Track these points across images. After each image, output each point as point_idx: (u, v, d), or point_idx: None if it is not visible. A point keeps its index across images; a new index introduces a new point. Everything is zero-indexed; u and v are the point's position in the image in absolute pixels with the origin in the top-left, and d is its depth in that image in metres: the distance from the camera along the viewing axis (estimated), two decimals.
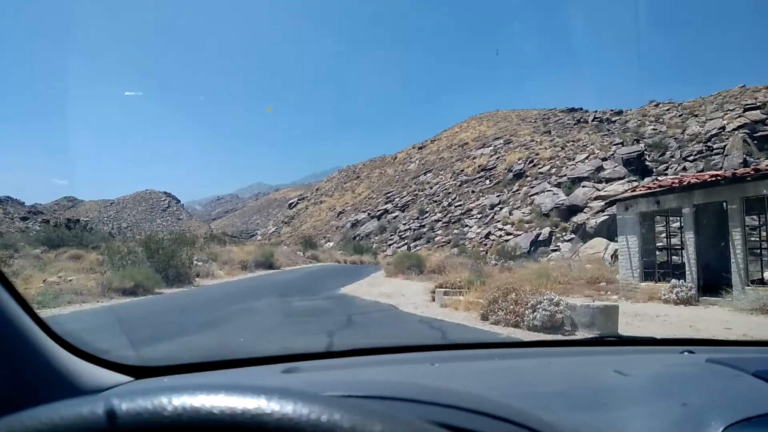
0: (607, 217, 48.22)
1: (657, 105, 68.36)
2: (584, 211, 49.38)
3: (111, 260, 16.82)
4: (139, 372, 1.51)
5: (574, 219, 48.37)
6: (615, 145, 57.85)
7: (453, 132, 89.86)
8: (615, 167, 53.50)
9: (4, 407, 0.82)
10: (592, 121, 67.79)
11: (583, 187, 51.05)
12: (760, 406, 1.05)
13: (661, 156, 54.79)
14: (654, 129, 62.15)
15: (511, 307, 9.18)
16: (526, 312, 8.81)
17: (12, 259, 26.46)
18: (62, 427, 0.44)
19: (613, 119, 68.86)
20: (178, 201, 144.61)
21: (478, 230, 52.78)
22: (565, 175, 54.02)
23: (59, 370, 1.14)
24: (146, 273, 15.05)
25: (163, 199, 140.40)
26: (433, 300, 13.54)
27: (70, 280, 14.83)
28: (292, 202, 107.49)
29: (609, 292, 15.78)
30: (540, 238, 48.03)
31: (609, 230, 46.59)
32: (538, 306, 8.69)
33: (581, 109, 78.46)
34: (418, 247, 53.86)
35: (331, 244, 61.51)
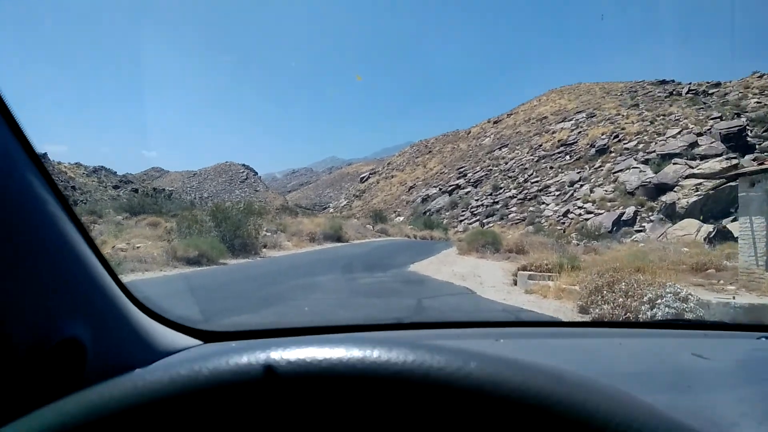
0: (701, 196, 44.29)
1: (761, 76, 61.70)
2: (674, 189, 45.49)
3: (179, 228, 16.24)
4: (208, 337, 1.51)
5: (663, 198, 44.62)
6: (712, 119, 52.74)
7: (531, 106, 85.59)
8: (711, 143, 48.89)
9: (94, 365, 0.94)
10: (687, 93, 62.16)
11: (674, 164, 47.01)
12: None
13: (765, 131, 49.34)
14: (758, 102, 56.14)
15: (620, 299, 7.37)
16: (642, 308, 6.99)
17: (95, 225, 26.79)
18: (179, 382, 0.43)
19: (710, 92, 62.87)
20: (256, 173, 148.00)
21: (556, 208, 49.84)
22: (654, 152, 49.94)
23: (139, 332, 1.18)
24: (211, 242, 14.29)
25: (241, 171, 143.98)
26: (515, 284, 11.85)
27: (138, 247, 14.27)
28: (364, 176, 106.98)
29: (722, 281, 13.39)
30: (624, 218, 44.72)
31: (702, 211, 42.72)
32: (659, 301, 6.86)
33: (673, 81, 72.34)
34: (491, 224, 51.66)
35: (401, 218, 60.27)
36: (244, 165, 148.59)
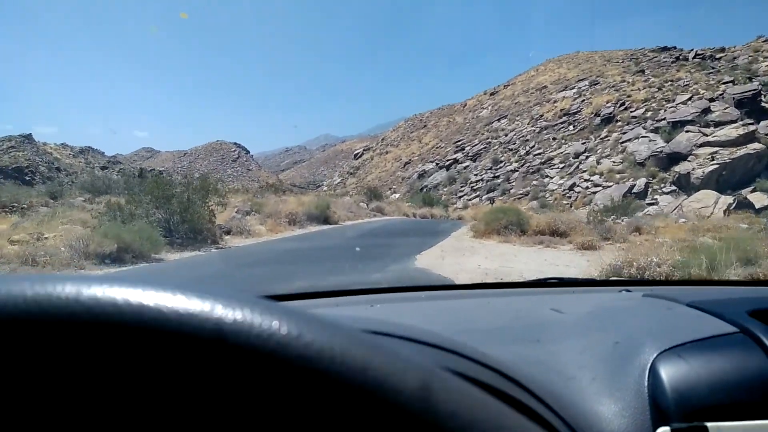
0: (716, 166, 40.68)
1: None
2: (688, 159, 41.82)
3: (109, 212, 12.39)
4: None
5: (676, 168, 41.07)
6: (724, 84, 48.80)
7: (528, 76, 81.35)
8: (725, 109, 45.13)
9: None
10: (693, 58, 58.10)
11: (687, 132, 43.36)
12: (693, 333, 1.06)
13: None
14: None
15: None
16: None
17: (42, 207, 22.89)
18: None
19: (717, 56, 58.77)
20: (248, 152, 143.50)
21: (561, 181, 46.24)
22: (664, 119, 46.22)
23: None
24: (140, 231, 10.34)
25: (233, 149, 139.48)
26: None
27: (46, 238, 10.39)
28: (358, 153, 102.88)
29: None
30: (634, 190, 41.11)
31: (719, 181, 39.20)
32: None
33: (675, 47, 68.19)
34: (492, 200, 48.03)
35: (397, 195, 56.51)
36: (235, 143, 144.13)
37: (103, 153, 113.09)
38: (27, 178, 77.19)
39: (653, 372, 0.95)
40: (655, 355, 0.99)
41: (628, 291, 1.88)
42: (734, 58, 56.86)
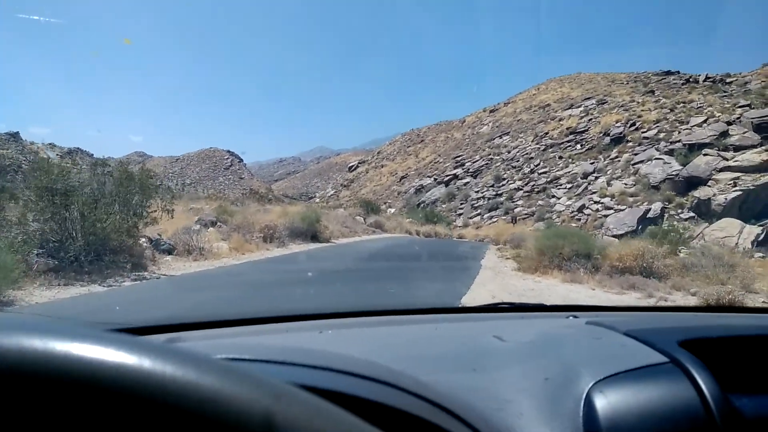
0: (739, 192, 37.16)
1: None
2: (708, 184, 38.32)
3: None
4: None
5: (695, 193, 37.58)
6: (740, 107, 45.61)
7: (530, 94, 78.28)
8: (744, 133, 41.84)
9: None
10: (704, 81, 55.12)
11: (705, 155, 39.87)
12: (627, 362, 1.08)
13: None
14: None
15: None
16: None
17: None
18: None
19: (727, 81, 55.87)
20: (241, 160, 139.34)
21: (569, 202, 42.63)
22: (679, 141, 42.75)
23: None
24: None
25: (226, 157, 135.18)
26: None
27: None
28: (352, 166, 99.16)
29: None
30: (649, 215, 37.51)
31: (742, 209, 35.70)
32: None
33: (678, 72, 65.36)
34: (495, 219, 44.31)
35: (393, 209, 52.67)
36: (228, 151, 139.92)
37: (92, 155, 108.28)
38: (9, 177, 72.95)
39: (588, 401, 0.96)
40: (590, 384, 0.99)
41: (575, 317, 1.86)
42: (745, 83, 54.04)
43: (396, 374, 0.84)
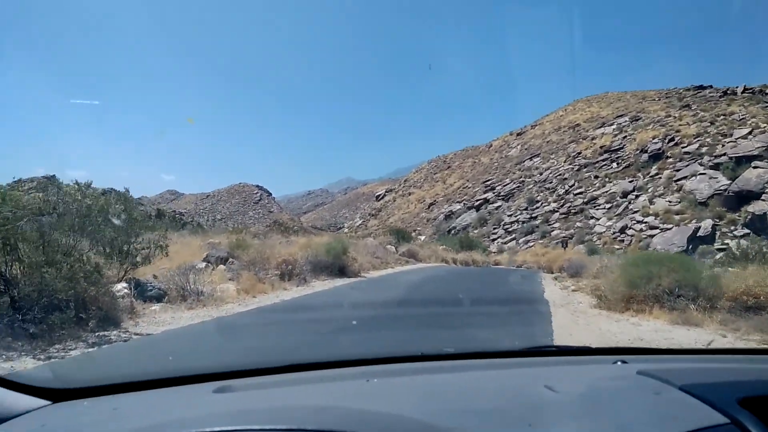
0: None
1: None
2: (762, 198, 35.36)
3: None
4: (58, 395, 1.41)
5: (749, 208, 34.64)
6: None
7: (557, 116, 76.08)
8: None
9: None
10: (742, 93, 52.24)
11: (756, 168, 37.01)
12: (686, 422, 1.03)
13: None
14: None
15: None
16: None
17: None
18: None
19: (766, 91, 52.88)
20: (270, 194, 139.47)
21: (609, 223, 40.06)
22: (724, 154, 39.95)
23: None
24: None
25: (255, 192, 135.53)
26: None
27: None
28: (379, 195, 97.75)
29: None
30: (699, 233, 34.67)
31: None
32: None
33: (711, 86, 62.46)
34: (531, 243, 41.88)
35: (423, 237, 50.57)
36: (257, 186, 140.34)
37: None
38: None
39: None
40: None
41: (623, 362, 1.82)
42: None
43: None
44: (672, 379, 1.31)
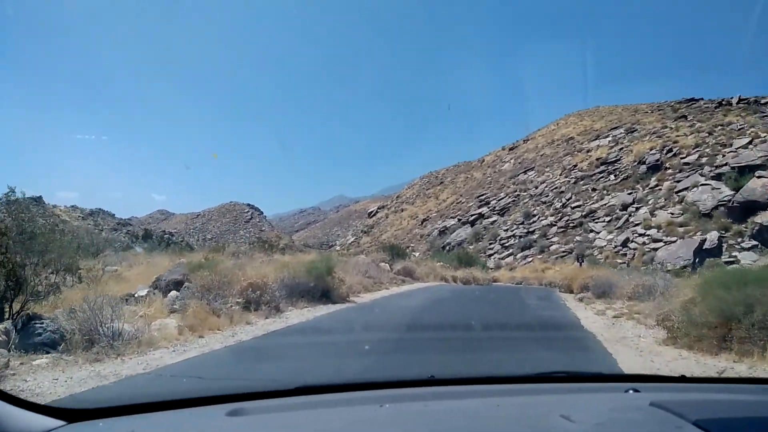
0: None
1: None
2: None
3: None
4: (74, 415, 1.41)
5: (756, 219, 32.94)
6: None
7: (549, 130, 74.84)
8: None
9: None
10: (738, 104, 51.13)
11: (760, 177, 35.40)
12: None
13: None
14: None
15: None
16: None
17: None
18: None
19: (762, 101, 51.80)
20: (261, 212, 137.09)
21: (610, 236, 38.29)
22: (726, 164, 38.43)
23: None
24: None
25: (246, 210, 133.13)
26: None
27: None
28: (372, 211, 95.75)
29: None
30: (706, 246, 32.85)
31: None
32: None
33: (701, 99, 61.49)
34: (529, 258, 39.94)
35: (417, 253, 48.41)
36: (248, 204, 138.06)
37: (114, 215, 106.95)
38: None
39: None
40: None
41: (635, 391, 1.81)
42: None
43: None
44: (686, 413, 1.27)
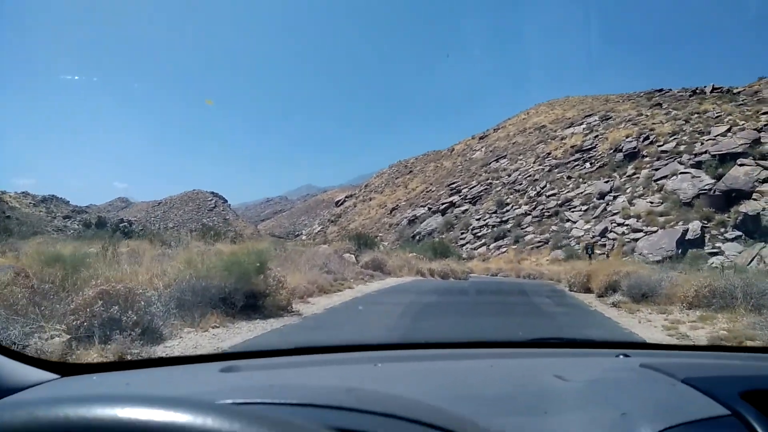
0: None
1: None
2: (753, 197, 31.82)
3: None
4: (68, 369, 1.43)
5: (740, 209, 31.03)
6: (764, 114, 39.82)
7: (520, 118, 72.67)
8: None
9: None
10: (711, 92, 49.70)
11: (742, 165, 33.59)
12: (688, 413, 1.05)
13: None
14: None
15: None
16: None
17: None
18: None
19: (735, 91, 50.55)
20: (225, 201, 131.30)
21: (587, 226, 36.03)
22: (706, 152, 36.53)
23: None
24: None
25: (210, 198, 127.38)
26: None
27: None
28: (339, 200, 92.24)
29: None
30: (688, 237, 30.82)
31: None
32: None
33: (670, 90, 60.25)
34: (503, 248, 37.36)
35: (386, 243, 45.35)
36: (212, 193, 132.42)
37: (68, 202, 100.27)
38: None
39: None
40: None
41: (626, 356, 1.82)
42: (756, 92, 48.63)
43: (443, 414, 0.82)
44: (675, 372, 1.30)
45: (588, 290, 11.24)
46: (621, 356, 1.82)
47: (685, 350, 2.62)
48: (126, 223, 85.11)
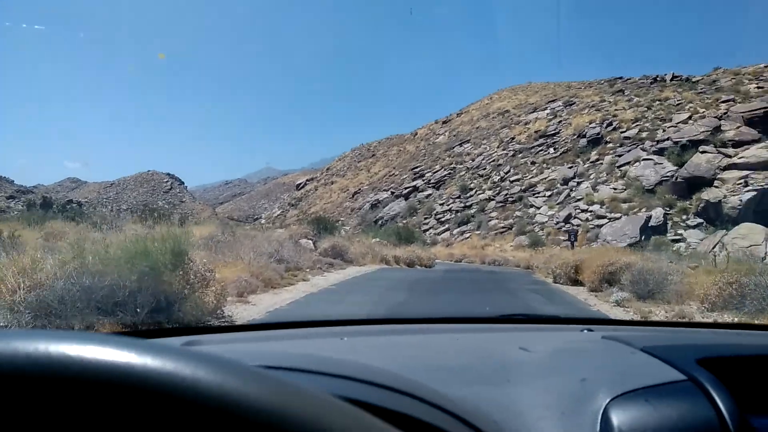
0: (754, 193, 30.68)
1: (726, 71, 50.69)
2: (715, 185, 31.72)
3: None
4: None
5: (702, 196, 30.85)
6: (723, 102, 39.99)
7: (483, 104, 71.83)
8: (739, 127, 35.96)
9: None
10: (671, 81, 49.87)
11: (703, 153, 33.49)
12: (645, 379, 1.06)
13: None
14: (760, 87, 43.93)
15: None
16: None
17: None
18: None
19: (694, 80, 50.90)
20: (182, 182, 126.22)
21: (551, 212, 35.35)
22: (668, 139, 36.39)
23: None
24: None
25: (165, 180, 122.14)
26: None
27: None
28: (300, 183, 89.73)
29: None
30: (651, 223, 30.53)
31: (756, 212, 29.24)
32: None
33: (630, 78, 60.49)
34: (467, 234, 36.31)
35: (348, 228, 43.75)
36: (168, 174, 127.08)
37: (12, 182, 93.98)
38: None
39: (605, 417, 0.95)
40: (608, 400, 0.98)
41: (590, 330, 1.85)
42: (714, 81, 49.07)
43: (414, 384, 0.83)
44: (634, 342, 1.33)
45: (576, 282, 9.97)
46: (585, 330, 1.84)
47: (649, 326, 2.72)
48: (75, 205, 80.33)
